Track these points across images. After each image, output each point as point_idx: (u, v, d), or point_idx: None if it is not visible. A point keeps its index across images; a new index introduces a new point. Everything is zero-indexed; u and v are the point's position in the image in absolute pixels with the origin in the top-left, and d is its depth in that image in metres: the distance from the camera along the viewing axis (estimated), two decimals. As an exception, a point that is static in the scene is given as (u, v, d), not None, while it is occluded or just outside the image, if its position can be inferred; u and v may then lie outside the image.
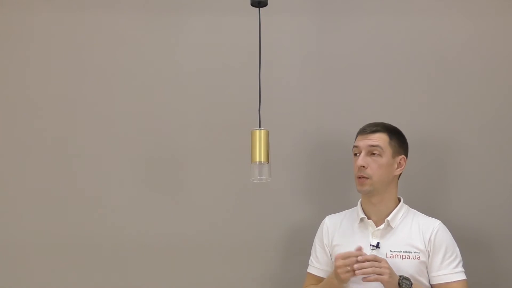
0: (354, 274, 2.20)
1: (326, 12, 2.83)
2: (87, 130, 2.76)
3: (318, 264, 2.46)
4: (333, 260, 2.38)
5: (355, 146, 2.41)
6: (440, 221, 2.37)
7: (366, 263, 2.18)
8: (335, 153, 2.76)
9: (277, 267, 2.73)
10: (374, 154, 2.34)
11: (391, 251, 2.30)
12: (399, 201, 2.42)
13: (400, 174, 2.43)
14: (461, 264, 2.32)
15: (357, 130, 2.48)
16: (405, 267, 2.28)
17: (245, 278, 2.73)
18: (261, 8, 2.29)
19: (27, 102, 2.77)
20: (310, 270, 2.48)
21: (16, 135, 2.75)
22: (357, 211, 2.43)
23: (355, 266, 2.18)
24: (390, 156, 2.35)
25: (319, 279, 2.43)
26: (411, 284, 2.22)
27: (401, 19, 2.83)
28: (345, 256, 2.22)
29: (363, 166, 2.33)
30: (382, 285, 2.22)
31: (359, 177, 2.35)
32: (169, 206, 2.75)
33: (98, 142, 2.76)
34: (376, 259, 2.19)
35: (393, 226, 2.35)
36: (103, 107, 2.77)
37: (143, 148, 2.76)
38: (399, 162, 2.38)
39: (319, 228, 2.50)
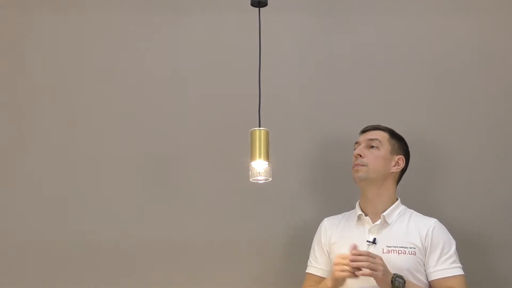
0: (349, 275, 2.21)
1: (326, 12, 2.83)
2: (87, 129, 2.75)
3: (316, 264, 2.48)
4: (331, 259, 2.40)
5: (356, 143, 2.46)
6: (436, 219, 2.40)
7: (362, 257, 2.19)
8: (335, 152, 2.76)
9: (279, 267, 2.73)
10: (372, 147, 2.41)
11: (387, 247, 2.32)
12: (396, 200, 2.44)
13: (401, 176, 2.47)
14: (458, 260, 2.33)
15: (358, 130, 2.49)
16: (400, 262, 2.29)
17: (247, 278, 2.73)
18: (261, 8, 2.30)
19: (27, 102, 2.76)
20: (309, 270, 2.50)
21: (16, 134, 2.75)
22: (355, 211, 2.45)
23: (350, 257, 2.20)
24: (388, 151, 2.41)
25: (317, 279, 2.45)
26: (404, 282, 2.23)
27: (401, 19, 2.83)
28: (345, 257, 2.24)
29: (360, 155, 2.39)
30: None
31: (355, 165, 2.40)
32: (169, 206, 2.75)
33: (97, 141, 2.75)
34: (370, 255, 2.21)
35: (389, 222, 2.37)
36: (102, 107, 2.77)
37: (143, 148, 2.76)
38: (397, 161, 2.43)
39: (318, 230, 2.52)
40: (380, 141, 2.41)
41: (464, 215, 2.72)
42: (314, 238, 2.52)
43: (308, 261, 2.51)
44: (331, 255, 2.42)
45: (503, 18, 2.83)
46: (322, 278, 2.42)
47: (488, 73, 2.80)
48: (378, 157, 2.39)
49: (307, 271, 2.50)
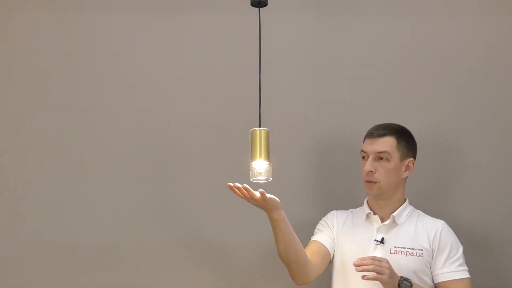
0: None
1: (326, 12, 2.83)
2: (86, 130, 2.75)
3: (320, 233, 2.44)
4: (336, 244, 2.39)
5: (362, 151, 2.40)
6: (444, 221, 2.39)
7: (367, 261, 2.17)
8: (336, 152, 2.76)
9: (279, 266, 2.73)
10: (382, 159, 2.35)
11: (395, 247, 2.32)
12: (405, 201, 2.43)
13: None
14: (464, 263, 2.33)
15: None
16: (408, 263, 2.29)
17: (247, 278, 2.73)
18: (261, 8, 2.30)
19: (27, 102, 2.76)
20: (312, 239, 2.45)
21: (15, 135, 2.75)
22: (363, 209, 2.44)
23: (355, 262, 2.17)
24: (398, 160, 2.36)
25: (319, 245, 2.41)
26: (411, 286, 2.22)
27: (401, 19, 2.83)
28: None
29: (371, 171, 2.34)
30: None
31: (367, 181, 2.36)
32: (169, 206, 2.75)
33: (97, 142, 2.75)
34: (375, 259, 2.19)
35: (398, 223, 2.36)
36: (103, 107, 2.77)
37: (143, 149, 2.76)
38: (407, 165, 2.39)
39: (326, 216, 2.50)
40: (389, 153, 2.34)
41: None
42: (320, 222, 2.50)
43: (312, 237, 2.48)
44: (338, 243, 2.41)
45: (503, 18, 2.83)
46: (323, 245, 2.40)
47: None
48: (389, 170, 2.34)
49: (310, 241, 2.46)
